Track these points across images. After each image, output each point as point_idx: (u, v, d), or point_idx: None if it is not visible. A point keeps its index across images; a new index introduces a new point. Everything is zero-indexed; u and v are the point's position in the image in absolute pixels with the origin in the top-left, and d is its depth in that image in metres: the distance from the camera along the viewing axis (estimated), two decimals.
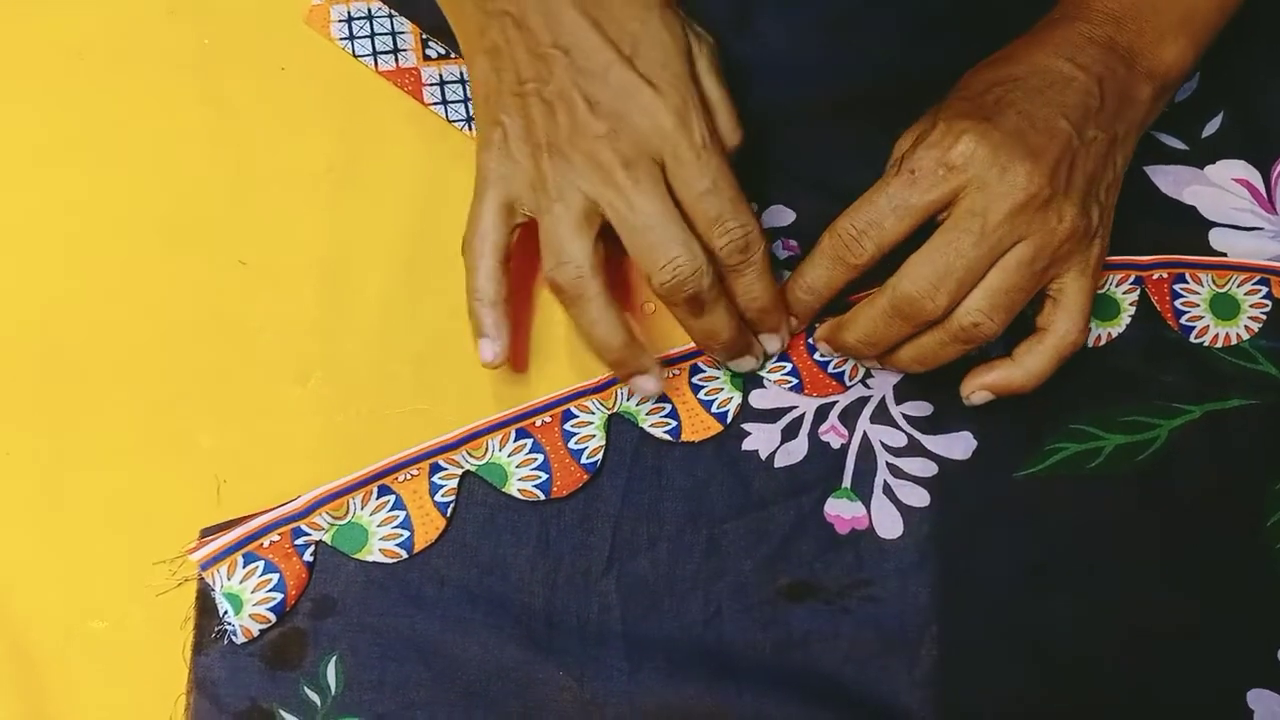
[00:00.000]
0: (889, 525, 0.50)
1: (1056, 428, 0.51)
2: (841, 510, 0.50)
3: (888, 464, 0.51)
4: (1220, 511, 0.50)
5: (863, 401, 0.52)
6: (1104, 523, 0.50)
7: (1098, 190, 0.48)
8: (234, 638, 0.47)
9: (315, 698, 0.47)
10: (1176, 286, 0.53)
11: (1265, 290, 0.53)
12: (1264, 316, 0.53)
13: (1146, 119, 0.50)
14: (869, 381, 0.52)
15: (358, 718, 0.47)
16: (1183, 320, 0.53)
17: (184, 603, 0.48)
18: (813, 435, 0.51)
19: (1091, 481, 0.51)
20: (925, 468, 0.51)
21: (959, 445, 0.51)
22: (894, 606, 0.49)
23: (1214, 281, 0.53)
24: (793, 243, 0.53)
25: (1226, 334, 0.53)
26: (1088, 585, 0.50)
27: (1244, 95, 0.56)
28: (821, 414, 0.51)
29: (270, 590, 0.48)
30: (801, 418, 0.51)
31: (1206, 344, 0.53)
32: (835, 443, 0.51)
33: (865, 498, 0.50)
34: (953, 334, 0.47)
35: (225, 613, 0.47)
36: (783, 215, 0.54)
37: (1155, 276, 0.53)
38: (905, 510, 0.50)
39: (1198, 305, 0.53)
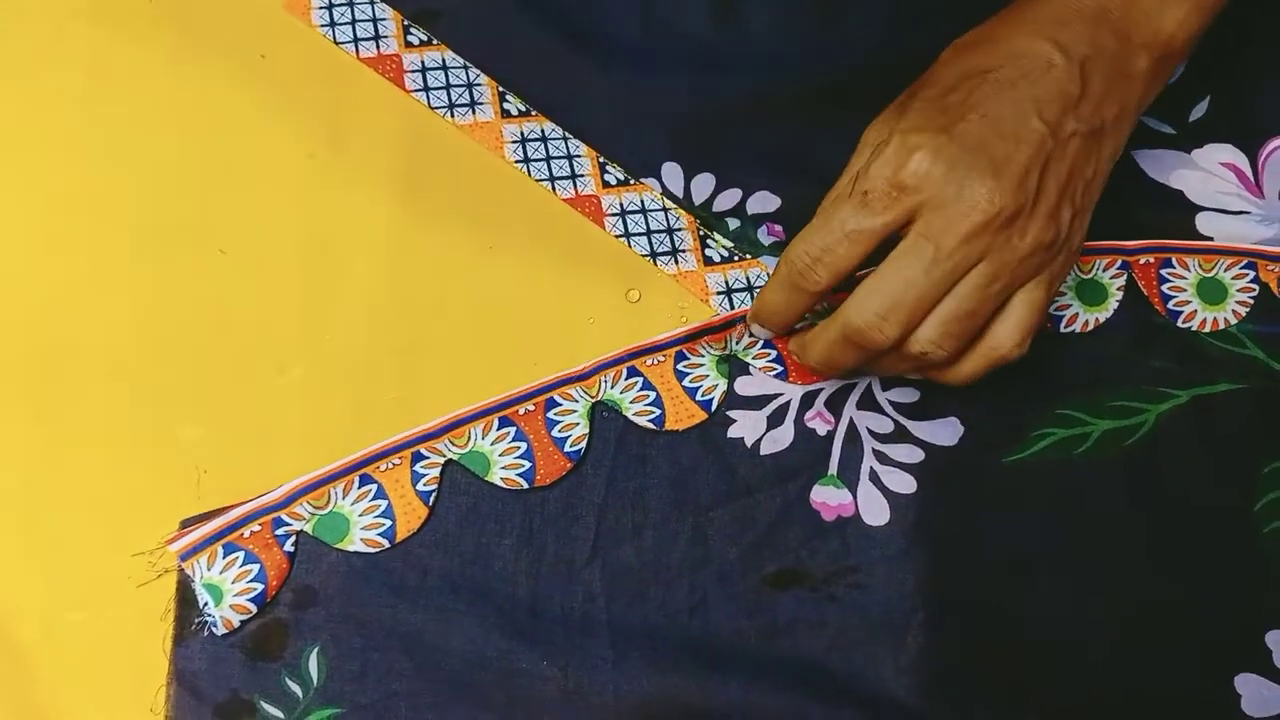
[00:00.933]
0: (875, 512, 0.50)
1: (1044, 413, 0.51)
2: (827, 497, 0.50)
3: (874, 450, 0.50)
4: (1209, 495, 0.50)
5: (849, 388, 0.51)
6: (1092, 508, 0.50)
7: (1073, 193, 0.45)
8: (214, 629, 0.47)
9: (297, 688, 0.47)
10: (1163, 271, 0.53)
11: (1252, 274, 0.53)
12: (1251, 301, 0.53)
13: (1145, 96, 0.47)
14: None
15: (340, 708, 0.47)
16: (1170, 305, 0.53)
17: (164, 594, 0.48)
18: (799, 422, 0.51)
19: (1079, 467, 0.50)
20: (912, 454, 0.50)
21: (946, 431, 0.51)
22: (880, 594, 0.49)
23: (1201, 266, 0.53)
24: (778, 228, 0.53)
25: (1214, 319, 0.52)
26: (1076, 570, 0.49)
27: (1231, 79, 0.56)
28: (807, 400, 0.51)
29: (251, 581, 0.47)
30: (787, 404, 0.51)
31: (1194, 329, 0.52)
32: (821, 429, 0.51)
33: (851, 484, 0.50)
34: (905, 359, 0.46)
35: (205, 604, 0.47)
36: (769, 201, 0.54)
37: (1142, 261, 0.53)
38: (892, 497, 0.50)
39: (1185, 290, 0.53)
